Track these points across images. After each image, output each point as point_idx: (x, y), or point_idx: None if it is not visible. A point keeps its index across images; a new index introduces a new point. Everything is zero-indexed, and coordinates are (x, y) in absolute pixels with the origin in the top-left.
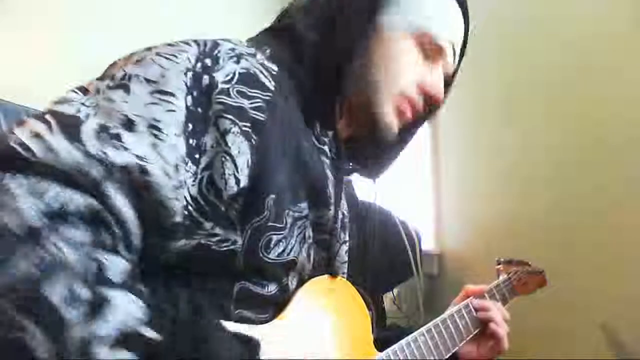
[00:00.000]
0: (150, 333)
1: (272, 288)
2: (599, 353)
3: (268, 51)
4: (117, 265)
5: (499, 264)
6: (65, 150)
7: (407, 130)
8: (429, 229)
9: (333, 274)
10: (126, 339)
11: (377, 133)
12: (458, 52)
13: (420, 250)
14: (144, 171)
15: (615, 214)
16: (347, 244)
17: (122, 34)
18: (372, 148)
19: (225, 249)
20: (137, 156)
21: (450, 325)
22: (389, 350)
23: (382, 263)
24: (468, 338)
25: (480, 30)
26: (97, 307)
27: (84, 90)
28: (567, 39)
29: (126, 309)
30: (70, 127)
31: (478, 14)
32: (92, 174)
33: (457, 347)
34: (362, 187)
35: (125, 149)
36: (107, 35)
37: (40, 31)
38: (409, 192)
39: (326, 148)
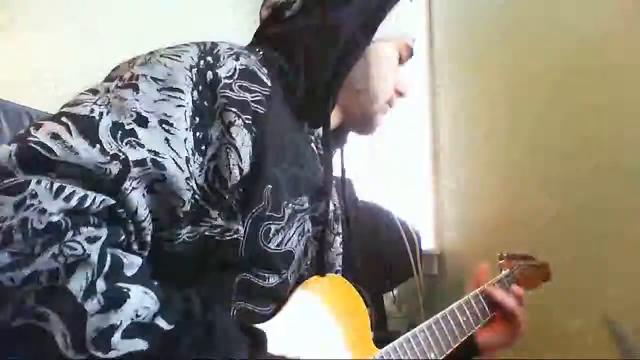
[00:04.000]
0: (162, 323)
1: (273, 280)
2: (600, 353)
3: (261, 53)
4: (131, 261)
5: (501, 259)
6: (84, 150)
7: None
8: (429, 229)
9: (325, 269)
10: (140, 329)
11: (368, 131)
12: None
13: (420, 250)
14: (158, 165)
15: (616, 213)
16: (341, 235)
17: (123, 35)
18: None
19: (229, 238)
20: (152, 151)
21: (451, 321)
22: (388, 347)
23: (381, 263)
24: (477, 328)
25: (479, 31)
26: (113, 298)
27: (93, 91)
28: (567, 39)
29: (140, 300)
30: (86, 127)
31: (479, 15)
32: (111, 171)
33: (464, 337)
34: (362, 187)
35: (141, 145)
36: (107, 35)
37: (42, 30)
38: (409, 192)
39: (313, 144)
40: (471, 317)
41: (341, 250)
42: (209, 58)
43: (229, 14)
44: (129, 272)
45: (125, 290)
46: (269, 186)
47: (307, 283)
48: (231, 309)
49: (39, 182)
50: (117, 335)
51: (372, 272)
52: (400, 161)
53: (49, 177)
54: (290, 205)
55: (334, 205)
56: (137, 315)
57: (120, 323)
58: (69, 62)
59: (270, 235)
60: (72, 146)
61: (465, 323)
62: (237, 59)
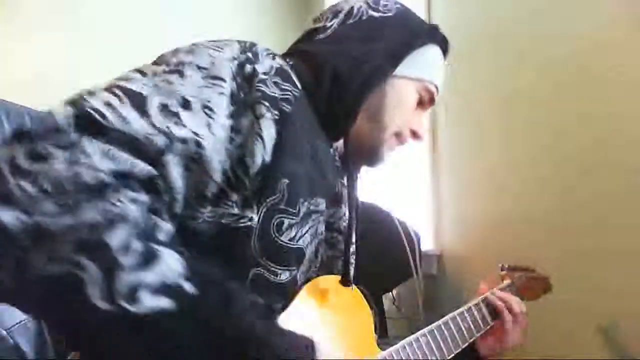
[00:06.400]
0: (188, 286)
1: (284, 277)
2: (599, 353)
3: (290, 62)
4: (165, 227)
5: (502, 270)
6: (135, 120)
7: None
8: (429, 230)
9: (344, 275)
10: (168, 289)
11: (373, 162)
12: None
13: (420, 250)
14: (199, 145)
15: (616, 213)
16: (354, 245)
17: (122, 36)
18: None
19: (242, 225)
20: (194, 132)
21: (452, 327)
22: (392, 349)
23: (381, 264)
24: (481, 333)
25: (479, 32)
26: (146, 258)
27: (142, 72)
28: (566, 40)
29: (170, 263)
30: (137, 101)
31: (479, 15)
32: (157, 143)
33: (466, 344)
34: (362, 187)
35: (184, 125)
36: (107, 36)
37: (42, 31)
38: (409, 192)
39: (333, 152)
40: (472, 324)
41: (354, 261)
42: (249, 54)
43: (230, 15)
44: (162, 237)
45: (158, 251)
46: (286, 180)
47: (315, 281)
48: None
49: (90, 142)
50: (145, 292)
51: (371, 273)
52: (400, 161)
53: (99, 141)
54: (305, 203)
55: (351, 214)
56: (166, 276)
57: (151, 281)
58: (69, 62)
59: (283, 228)
60: (124, 115)
61: (466, 329)
62: (273, 59)
